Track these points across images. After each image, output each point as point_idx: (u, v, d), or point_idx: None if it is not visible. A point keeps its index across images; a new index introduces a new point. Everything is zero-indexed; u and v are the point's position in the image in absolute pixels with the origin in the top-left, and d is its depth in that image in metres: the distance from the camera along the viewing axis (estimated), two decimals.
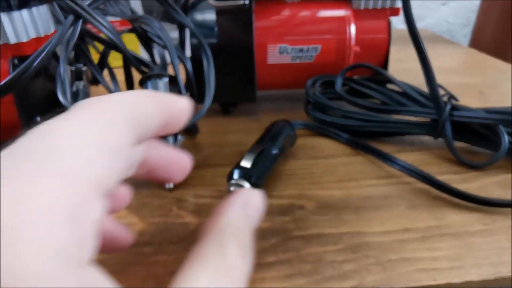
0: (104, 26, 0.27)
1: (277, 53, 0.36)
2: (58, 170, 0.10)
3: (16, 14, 0.26)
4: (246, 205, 0.15)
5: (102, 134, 0.12)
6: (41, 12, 0.29)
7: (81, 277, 0.09)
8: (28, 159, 0.10)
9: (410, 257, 0.21)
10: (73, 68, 0.36)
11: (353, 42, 0.36)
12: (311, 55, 0.36)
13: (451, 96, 0.32)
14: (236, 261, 0.12)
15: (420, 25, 0.87)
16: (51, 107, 0.34)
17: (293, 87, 0.40)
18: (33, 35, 0.28)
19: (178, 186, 0.28)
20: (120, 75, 0.39)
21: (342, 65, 0.37)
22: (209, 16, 0.35)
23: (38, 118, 0.30)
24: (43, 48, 0.25)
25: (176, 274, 0.12)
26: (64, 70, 0.26)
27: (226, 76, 0.36)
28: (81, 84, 0.35)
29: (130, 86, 0.37)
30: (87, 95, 0.36)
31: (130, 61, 0.30)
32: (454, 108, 0.31)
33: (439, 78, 0.30)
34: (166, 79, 0.29)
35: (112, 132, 0.12)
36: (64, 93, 0.25)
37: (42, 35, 0.29)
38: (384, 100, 0.35)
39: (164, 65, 0.33)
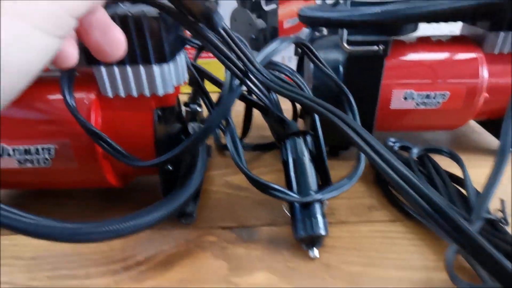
0: (261, 90, 0.26)
1: (401, 99, 0.34)
2: None
3: (166, 66, 0.26)
4: None
5: None
6: (182, 59, 0.28)
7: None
8: None
9: None
10: (188, 109, 0.36)
11: (484, 88, 0.34)
12: (438, 101, 0.34)
13: None
14: None
15: None
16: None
17: (412, 130, 0.38)
18: (175, 84, 0.28)
19: (324, 249, 0.27)
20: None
21: (469, 111, 0.35)
22: (333, 55, 0.34)
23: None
24: (219, 112, 0.24)
25: None
26: (233, 134, 0.26)
27: None
28: (196, 126, 0.35)
29: (246, 129, 0.37)
30: None
31: (274, 118, 0.29)
32: None
33: None
34: (309, 138, 0.28)
35: None
36: (238, 156, 0.25)
37: (182, 83, 0.29)
38: None
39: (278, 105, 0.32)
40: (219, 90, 0.37)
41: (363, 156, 0.30)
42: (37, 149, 0.27)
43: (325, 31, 0.40)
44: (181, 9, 0.21)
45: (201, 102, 0.38)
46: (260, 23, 0.54)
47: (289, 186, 0.28)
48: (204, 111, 0.37)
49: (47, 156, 0.27)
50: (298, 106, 0.40)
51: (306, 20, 0.31)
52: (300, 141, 0.29)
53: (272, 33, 0.55)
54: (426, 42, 0.36)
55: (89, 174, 0.29)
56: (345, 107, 0.31)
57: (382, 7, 0.26)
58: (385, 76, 0.33)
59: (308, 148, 0.29)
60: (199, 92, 0.35)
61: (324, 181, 0.29)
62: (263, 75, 0.25)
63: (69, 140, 0.27)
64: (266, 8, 0.53)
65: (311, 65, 0.34)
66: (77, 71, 0.29)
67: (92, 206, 0.33)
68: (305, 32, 0.56)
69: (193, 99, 0.37)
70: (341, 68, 0.33)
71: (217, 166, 0.39)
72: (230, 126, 0.26)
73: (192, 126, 0.35)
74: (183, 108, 0.37)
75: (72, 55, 0.16)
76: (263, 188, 0.24)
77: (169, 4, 0.23)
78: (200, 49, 0.38)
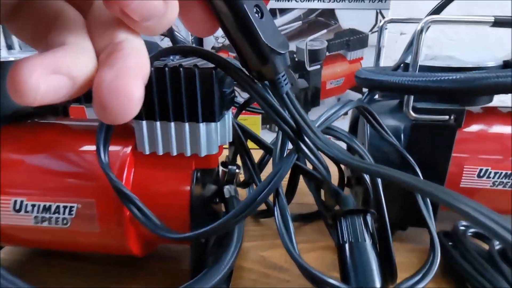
0: (318, 158, 0.22)
1: (474, 176, 0.29)
2: None
3: (214, 125, 0.23)
4: None
5: None
6: (230, 117, 0.26)
7: None
8: None
9: None
10: (226, 169, 0.33)
11: None
12: None
13: None
14: None
15: None
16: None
17: None
18: (219, 144, 0.25)
19: None
20: None
21: None
22: (392, 122, 0.30)
23: None
24: (268, 184, 0.20)
25: None
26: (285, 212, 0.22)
27: (402, 195, 0.30)
28: (232, 189, 0.31)
29: (289, 198, 0.32)
30: (238, 201, 0.31)
31: (329, 190, 0.25)
32: None
33: None
34: (369, 217, 0.24)
35: None
36: (291, 241, 0.21)
37: (227, 143, 0.26)
38: None
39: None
40: (256, 146, 0.34)
41: (437, 244, 0.25)
42: (57, 207, 0.24)
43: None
44: (249, 70, 0.19)
45: (239, 162, 0.34)
46: (302, 82, 0.53)
47: (345, 276, 0.23)
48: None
49: (67, 215, 0.24)
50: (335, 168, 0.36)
51: (366, 82, 0.28)
52: (359, 222, 0.24)
53: (314, 93, 0.53)
54: (496, 113, 0.32)
55: (109, 239, 0.25)
56: None
57: (465, 74, 0.23)
58: (456, 149, 0.29)
59: (369, 230, 0.24)
60: (240, 152, 0.32)
61: (389, 273, 0.24)
62: (322, 141, 0.21)
63: (94, 199, 0.23)
64: (309, 68, 0.52)
65: (368, 132, 0.30)
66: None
67: (107, 272, 0.29)
68: (348, 94, 0.54)
69: (233, 160, 0.33)
70: (402, 137, 0.30)
71: (250, 236, 0.34)
72: (281, 200, 0.22)
73: (228, 189, 0.31)
74: (220, 168, 0.33)
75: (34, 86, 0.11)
76: (320, 283, 0.19)
77: (225, 59, 0.21)
78: (241, 107, 0.36)
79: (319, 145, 0.21)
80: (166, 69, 0.21)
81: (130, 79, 0.12)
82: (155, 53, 0.22)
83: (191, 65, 0.22)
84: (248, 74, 0.20)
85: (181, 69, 0.21)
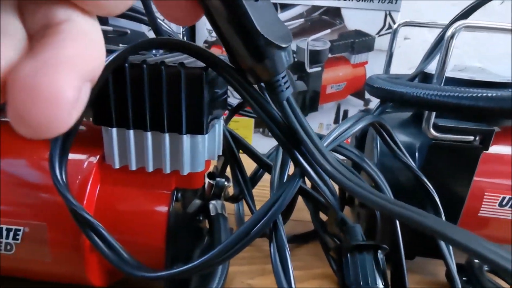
0: (324, 182, 0.18)
1: (496, 205, 0.26)
2: None
3: (200, 138, 0.19)
4: None
5: None
6: (220, 126, 0.21)
7: None
8: None
9: None
10: (213, 181, 0.28)
11: None
12: None
13: None
14: None
15: None
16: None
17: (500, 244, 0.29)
18: (206, 158, 0.20)
19: None
20: None
21: None
22: (405, 138, 0.26)
23: None
24: (260, 217, 0.16)
25: None
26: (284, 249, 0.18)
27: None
28: (219, 205, 0.27)
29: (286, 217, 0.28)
30: (225, 219, 0.26)
31: (337, 221, 0.21)
32: None
33: None
34: (381, 254, 0.20)
35: None
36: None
37: (216, 157, 0.21)
38: None
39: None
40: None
41: (458, 283, 0.22)
42: None
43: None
44: (240, 70, 0.15)
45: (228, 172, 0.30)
46: (301, 85, 0.49)
47: None
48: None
49: (10, 240, 0.19)
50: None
51: (382, 93, 0.25)
52: (369, 259, 0.20)
53: (312, 97, 0.49)
54: None
55: (64, 269, 0.20)
56: (426, 210, 0.23)
57: (505, 92, 0.19)
58: (478, 173, 0.25)
59: (381, 270, 0.20)
60: (230, 163, 0.28)
61: None
62: (333, 166, 0.17)
63: (46, 222, 0.19)
64: (310, 70, 0.48)
65: (378, 149, 0.27)
66: (84, 125, 0.23)
67: None
68: (349, 101, 0.50)
69: (221, 171, 0.29)
70: (417, 156, 0.26)
71: (236, 259, 0.29)
72: (280, 236, 0.18)
73: (215, 206, 0.27)
74: (206, 180, 0.29)
75: None
76: None
77: (219, 57, 0.17)
78: (234, 111, 0.32)
79: (329, 171, 0.17)
80: (144, 66, 0.17)
81: (59, 73, 0.08)
82: (133, 44, 0.17)
83: (176, 62, 0.17)
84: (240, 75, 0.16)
85: (162, 67, 0.17)
